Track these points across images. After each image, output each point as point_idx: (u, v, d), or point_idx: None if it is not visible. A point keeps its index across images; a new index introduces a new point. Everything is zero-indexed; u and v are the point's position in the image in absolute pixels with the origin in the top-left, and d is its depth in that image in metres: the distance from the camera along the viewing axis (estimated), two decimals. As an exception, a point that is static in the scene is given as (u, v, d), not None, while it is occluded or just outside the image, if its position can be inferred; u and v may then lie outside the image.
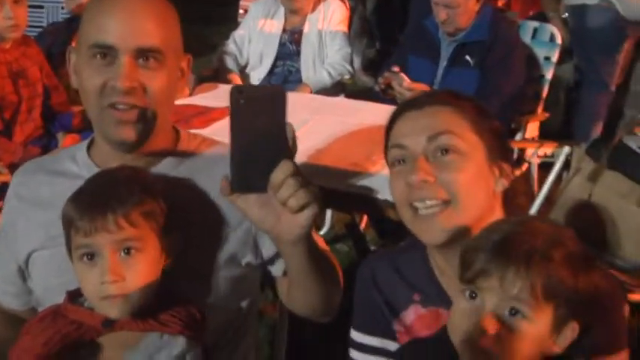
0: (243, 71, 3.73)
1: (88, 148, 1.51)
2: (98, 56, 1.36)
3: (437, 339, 1.16)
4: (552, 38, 3.51)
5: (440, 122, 1.28)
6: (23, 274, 1.51)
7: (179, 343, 1.29)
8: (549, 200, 3.06)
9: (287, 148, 1.16)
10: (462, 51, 3.14)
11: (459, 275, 1.11)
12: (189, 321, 1.31)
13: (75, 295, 1.32)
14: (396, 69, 3.03)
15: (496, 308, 1.06)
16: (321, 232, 3.51)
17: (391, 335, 1.34)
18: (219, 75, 3.67)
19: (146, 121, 1.39)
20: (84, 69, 1.38)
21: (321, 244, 1.50)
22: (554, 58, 3.49)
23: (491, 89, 3.09)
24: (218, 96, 3.01)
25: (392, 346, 1.33)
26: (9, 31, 2.87)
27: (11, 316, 1.58)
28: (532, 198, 3.27)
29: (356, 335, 1.38)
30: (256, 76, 3.71)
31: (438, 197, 1.25)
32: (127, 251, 1.27)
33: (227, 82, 3.49)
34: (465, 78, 3.09)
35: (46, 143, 2.96)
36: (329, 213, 3.54)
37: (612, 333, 1.25)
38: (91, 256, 1.27)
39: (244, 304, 1.54)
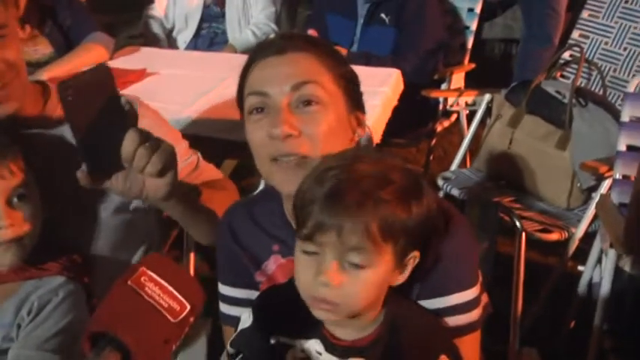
0: (169, 35, 3.71)
1: None
2: None
3: (288, 285, 1.17)
4: (475, -10, 3.54)
5: (304, 70, 1.22)
6: None
7: (56, 280, 1.34)
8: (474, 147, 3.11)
9: (127, 120, 1.18)
10: (377, 9, 3.18)
11: (297, 233, 1.10)
12: (68, 264, 1.36)
13: None
14: (311, 32, 3.04)
15: (337, 260, 1.06)
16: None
17: (254, 286, 1.33)
18: (146, 40, 3.64)
19: (16, 92, 1.40)
20: None
21: (206, 173, 1.57)
22: (478, 9, 3.53)
23: (408, 45, 3.12)
24: (138, 59, 3.00)
25: (256, 296, 1.30)
26: None
27: None
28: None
29: (222, 288, 1.37)
30: (182, 39, 3.69)
31: (301, 152, 1.20)
32: (18, 197, 1.32)
33: (154, 46, 3.48)
34: (382, 36, 3.13)
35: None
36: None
37: (453, 246, 1.22)
38: None
39: (138, 251, 1.57)
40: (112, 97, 1.17)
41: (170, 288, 1.05)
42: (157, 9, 3.70)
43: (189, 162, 1.57)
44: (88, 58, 2.85)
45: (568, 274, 2.65)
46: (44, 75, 2.61)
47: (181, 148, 1.56)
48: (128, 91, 2.53)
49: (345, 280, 1.06)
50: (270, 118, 1.21)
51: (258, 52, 1.27)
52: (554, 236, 2.48)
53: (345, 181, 1.07)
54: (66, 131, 1.44)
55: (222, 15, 3.65)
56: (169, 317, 1.03)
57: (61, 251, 1.39)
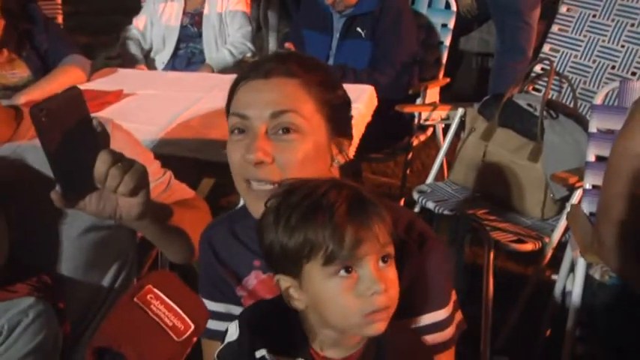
0: (147, 56, 3.73)
1: None
2: None
3: (276, 302, 1.17)
4: (448, 5, 3.59)
5: (285, 98, 1.24)
6: None
7: (25, 301, 1.34)
8: (447, 161, 3.16)
9: (100, 141, 1.20)
10: (353, 23, 3.21)
11: (326, 260, 1.06)
12: (38, 284, 1.37)
13: None
14: (288, 45, 3.07)
15: (377, 255, 1.08)
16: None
17: (235, 300, 1.35)
18: (124, 61, 3.67)
19: None
20: None
21: (177, 193, 1.60)
22: (451, 25, 3.58)
23: (383, 59, 3.16)
24: (115, 80, 3.02)
25: (237, 310, 1.31)
26: None
27: None
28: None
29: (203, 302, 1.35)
30: (160, 60, 3.71)
31: (272, 180, 1.22)
32: None
33: (132, 67, 3.51)
34: (358, 49, 3.16)
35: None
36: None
37: (426, 268, 1.25)
38: None
39: (111, 269, 1.60)
40: (84, 119, 1.19)
41: (175, 307, 1.06)
42: (135, 30, 3.73)
43: (160, 181, 1.60)
44: (65, 80, 2.86)
45: (544, 283, 2.68)
46: (22, 99, 2.62)
47: (153, 167, 1.59)
48: (105, 113, 2.56)
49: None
50: (248, 141, 1.23)
51: (247, 72, 1.29)
52: (528, 246, 2.52)
53: (339, 190, 1.09)
54: (32, 153, 1.46)
55: (199, 35, 3.67)
56: (173, 336, 1.04)
57: (30, 272, 1.41)
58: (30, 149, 1.48)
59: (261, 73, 1.26)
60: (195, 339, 1.08)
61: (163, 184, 1.60)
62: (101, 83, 2.98)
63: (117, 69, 3.24)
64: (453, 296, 1.31)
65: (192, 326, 1.06)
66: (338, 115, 1.30)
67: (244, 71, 1.30)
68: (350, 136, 1.34)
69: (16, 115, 1.57)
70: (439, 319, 1.26)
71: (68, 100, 1.18)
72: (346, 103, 1.34)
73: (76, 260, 1.52)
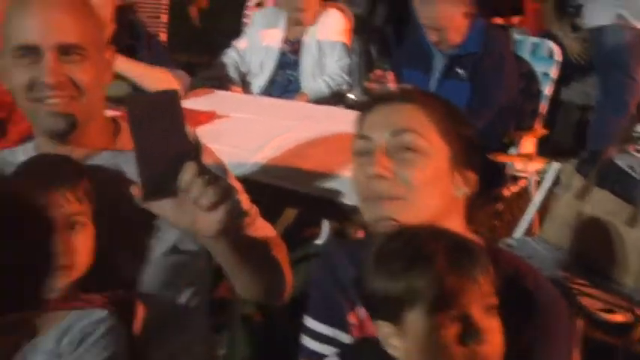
0: (244, 80, 3.77)
1: None
2: (23, 57, 1.43)
3: (380, 347, 1.15)
4: (551, 54, 3.47)
5: (405, 119, 1.30)
6: None
7: (99, 313, 1.34)
8: (540, 217, 3.04)
9: (190, 148, 1.17)
10: (454, 64, 3.14)
11: (428, 309, 1.07)
12: (114, 298, 1.36)
13: None
14: (389, 75, 3.03)
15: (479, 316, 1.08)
16: (318, 242, 3.52)
17: (344, 327, 1.34)
18: (221, 82, 3.71)
19: (75, 111, 1.45)
20: (11, 70, 1.46)
21: (260, 231, 1.55)
22: (553, 74, 3.47)
23: (482, 101, 3.08)
24: (210, 101, 3.05)
25: (344, 337, 1.33)
26: None
27: None
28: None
29: (310, 322, 1.38)
30: (257, 85, 3.75)
31: (394, 194, 1.26)
32: (71, 226, 1.35)
33: (228, 89, 3.55)
34: (457, 91, 3.08)
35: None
36: (326, 222, 3.54)
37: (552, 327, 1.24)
38: None
39: (185, 293, 1.57)
40: (178, 123, 1.16)
41: None
42: (234, 53, 3.77)
43: (246, 216, 1.57)
44: (163, 78, 2.90)
45: (634, 357, 2.54)
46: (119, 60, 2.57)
47: (242, 200, 1.57)
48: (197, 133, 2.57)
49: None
50: (369, 159, 1.29)
51: (370, 102, 1.39)
52: (618, 317, 2.39)
53: (439, 239, 1.11)
54: (130, 164, 1.45)
55: (297, 63, 3.69)
56: None
57: (109, 285, 1.40)
58: (127, 160, 1.46)
59: (384, 100, 1.36)
60: None
61: (249, 219, 1.57)
62: (195, 103, 3.02)
63: (213, 90, 3.27)
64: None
65: None
66: (461, 146, 1.33)
67: (369, 101, 1.40)
68: (476, 171, 1.35)
69: (115, 127, 1.59)
70: None
71: (164, 100, 1.16)
72: (471, 137, 1.36)
73: (155, 280, 1.51)
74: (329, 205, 2.25)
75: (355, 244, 1.44)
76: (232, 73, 3.71)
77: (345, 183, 2.20)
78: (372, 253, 1.14)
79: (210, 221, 1.19)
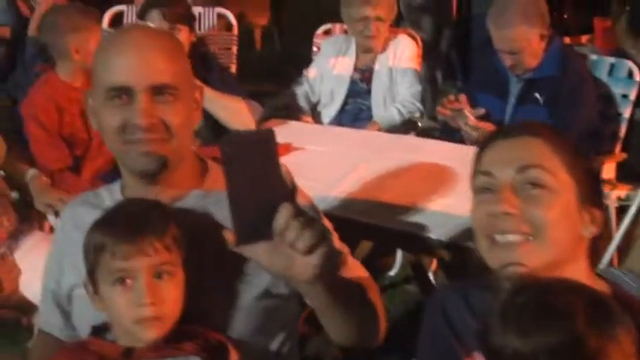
0: (314, 109, 3.76)
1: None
2: (115, 98, 1.42)
3: None
4: (630, 75, 3.37)
5: (531, 155, 1.25)
6: (64, 309, 1.55)
7: (191, 359, 1.32)
8: (626, 246, 2.93)
9: (285, 190, 1.14)
10: (531, 88, 3.06)
11: None
12: (205, 344, 1.34)
13: (99, 330, 1.37)
14: (461, 98, 2.98)
15: None
16: (391, 273, 3.50)
17: None
18: (290, 112, 3.71)
19: (167, 152, 1.44)
20: (102, 111, 1.45)
21: (353, 271, 1.51)
22: (633, 95, 3.36)
23: (560, 125, 2.98)
24: (282, 132, 3.04)
25: None
26: None
27: None
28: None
29: None
30: (327, 114, 3.72)
31: (520, 231, 1.21)
32: (159, 275, 1.33)
33: (298, 120, 3.54)
34: (534, 115, 3.00)
35: (115, 177, 3.04)
36: (399, 253, 3.50)
37: None
38: (124, 280, 1.32)
39: (277, 338, 1.55)
40: (273, 163, 1.13)
41: None
42: (305, 82, 3.77)
43: (340, 256, 1.54)
44: (235, 107, 2.91)
45: None
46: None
47: (334, 239, 1.54)
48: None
49: None
50: (493, 197, 1.24)
51: (491, 136, 1.33)
52: None
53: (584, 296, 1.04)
54: (218, 206, 1.44)
55: (368, 91, 3.66)
56: None
57: (200, 331, 1.38)
58: (216, 201, 1.45)
59: (507, 134, 1.30)
60: None
61: (342, 259, 1.54)
62: (270, 134, 3.01)
63: (285, 121, 3.28)
64: None
65: None
66: (587, 181, 1.27)
67: (490, 135, 1.35)
68: (602, 208, 1.29)
69: (202, 166, 1.57)
70: None
71: (259, 140, 1.13)
72: (596, 172, 1.33)
73: (247, 325, 1.48)
74: (406, 237, 2.22)
75: (469, 288, 1.36)
76: (302, 103, 3.70)
77: (430, 216, 2.16)
78: (500, 305, 1.08)
79: (306, 265, 1.16)
